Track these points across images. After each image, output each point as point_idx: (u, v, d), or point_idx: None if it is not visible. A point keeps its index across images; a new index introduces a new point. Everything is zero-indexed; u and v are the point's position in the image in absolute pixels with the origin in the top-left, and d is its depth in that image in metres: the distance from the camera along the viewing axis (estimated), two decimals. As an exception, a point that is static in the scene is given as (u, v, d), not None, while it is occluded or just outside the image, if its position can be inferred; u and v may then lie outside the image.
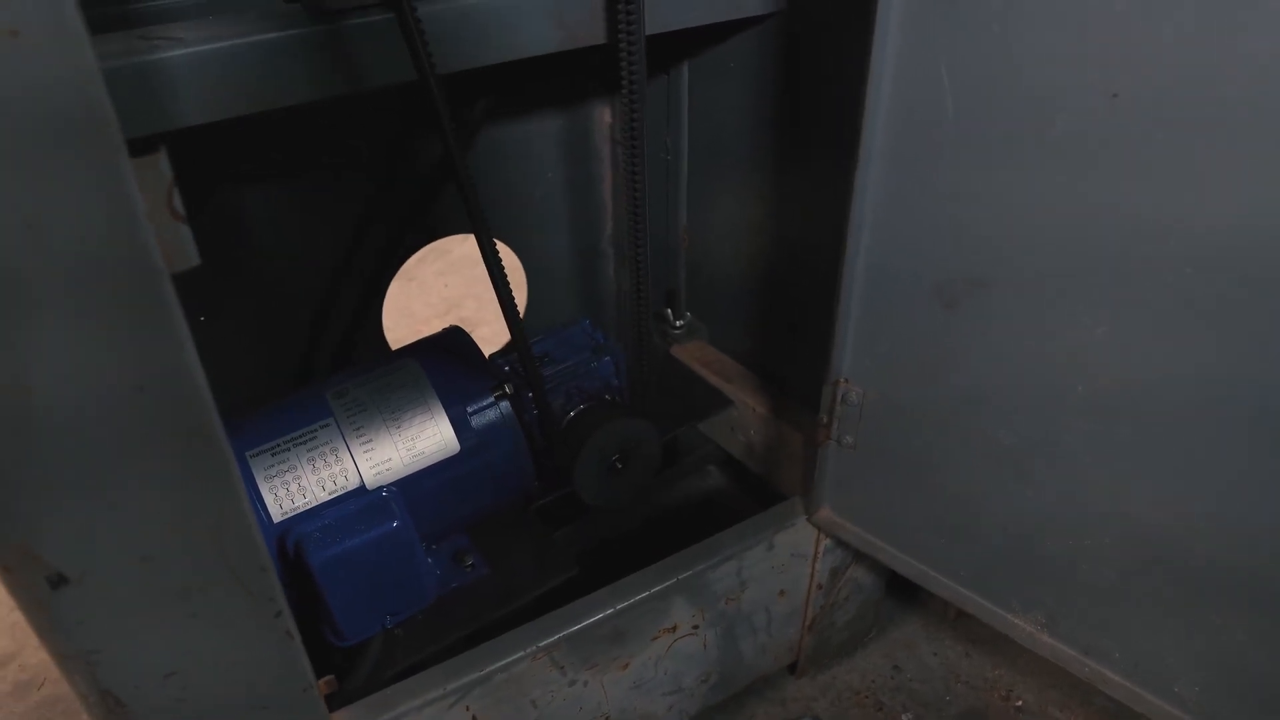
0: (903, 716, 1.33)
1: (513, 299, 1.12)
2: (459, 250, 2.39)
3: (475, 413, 1.14)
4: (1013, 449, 0.91)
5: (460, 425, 1.13)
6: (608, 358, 1.27)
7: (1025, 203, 0.79)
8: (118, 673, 0.73)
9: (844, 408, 1.03)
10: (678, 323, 1.53)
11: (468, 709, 0.98)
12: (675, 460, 1.52)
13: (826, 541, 1.17)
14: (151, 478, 0.66)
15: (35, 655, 1.45)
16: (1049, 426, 0.87)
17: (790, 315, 1.33)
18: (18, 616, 1.48)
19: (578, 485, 1.22)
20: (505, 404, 1.15)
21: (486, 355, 1.24)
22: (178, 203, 0.64)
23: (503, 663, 0.98)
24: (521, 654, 0.99)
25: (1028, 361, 0.86)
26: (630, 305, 1.27)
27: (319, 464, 1.07)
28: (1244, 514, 0.79)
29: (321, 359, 1.39)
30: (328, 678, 0.98)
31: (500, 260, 1.08)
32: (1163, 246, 0.73)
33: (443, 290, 2.39)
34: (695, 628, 1.12)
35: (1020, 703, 1.35)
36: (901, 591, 1.49)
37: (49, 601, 0.67)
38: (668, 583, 1.06)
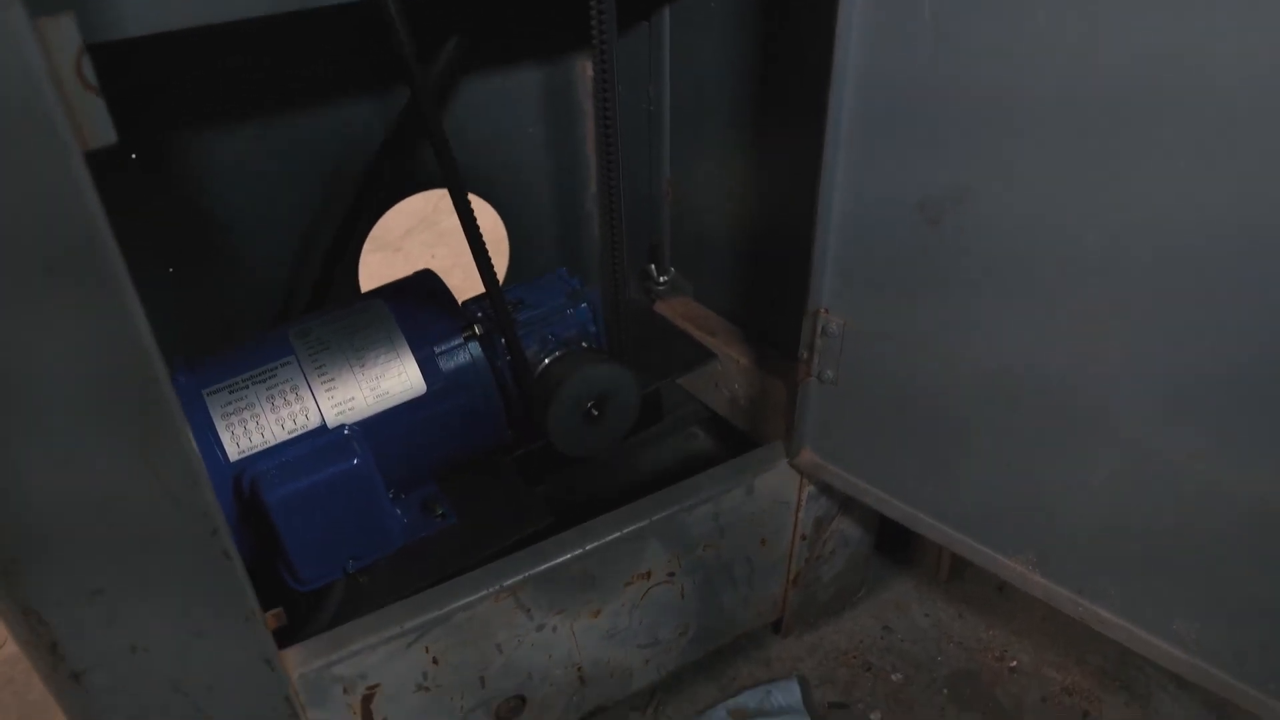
0: (893, 677, 1.28)
1: (480, 234, 1.08)
2: (447, 223, 2.35)
3: (443, 353, 1.10)
4: (1000, 372, 0.87)
5: (427, 366, 1.08)
6: (584, 304, 1.22)
7: (1009, 95, 0.75)
8: (36, 588, 0.68)
9: (824, 340, 0.99)
10: (661, 279, 1.48)
11: (427, 650, 0.93)
12: (659, 418, 1.47)
13: (810, 488, 1.12)
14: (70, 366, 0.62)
15: (-3, 615, 1.41)
16: (1037, 345, 0.82)
17: (775, 268, 1.28)
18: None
19: (552, 433, 1.17)
20: (475, 345, 1.11)
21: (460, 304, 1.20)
22: (89, 72, 0.60)
23: (464, 601, 0.93)
24: (485, 593, 0.94)
25: (1015, 272, 0.81)
26: (605, 254, 1.23)
27: (278, 402, 1.03)
28: (1248, 435, 0.74)
29: (294, 315, 1.35)
30: (276, 610, 0.94)
31: (464, 185, 1.04)
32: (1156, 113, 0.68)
33: (430, 261, 2.34)
34: (671, 575, 1.07)
35: (1014, 663, 1.30)
36: (891, 552, 1.44)
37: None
38: (640, 524, 1.01)
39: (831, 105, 0.87)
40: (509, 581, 0.95)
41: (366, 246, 1.34)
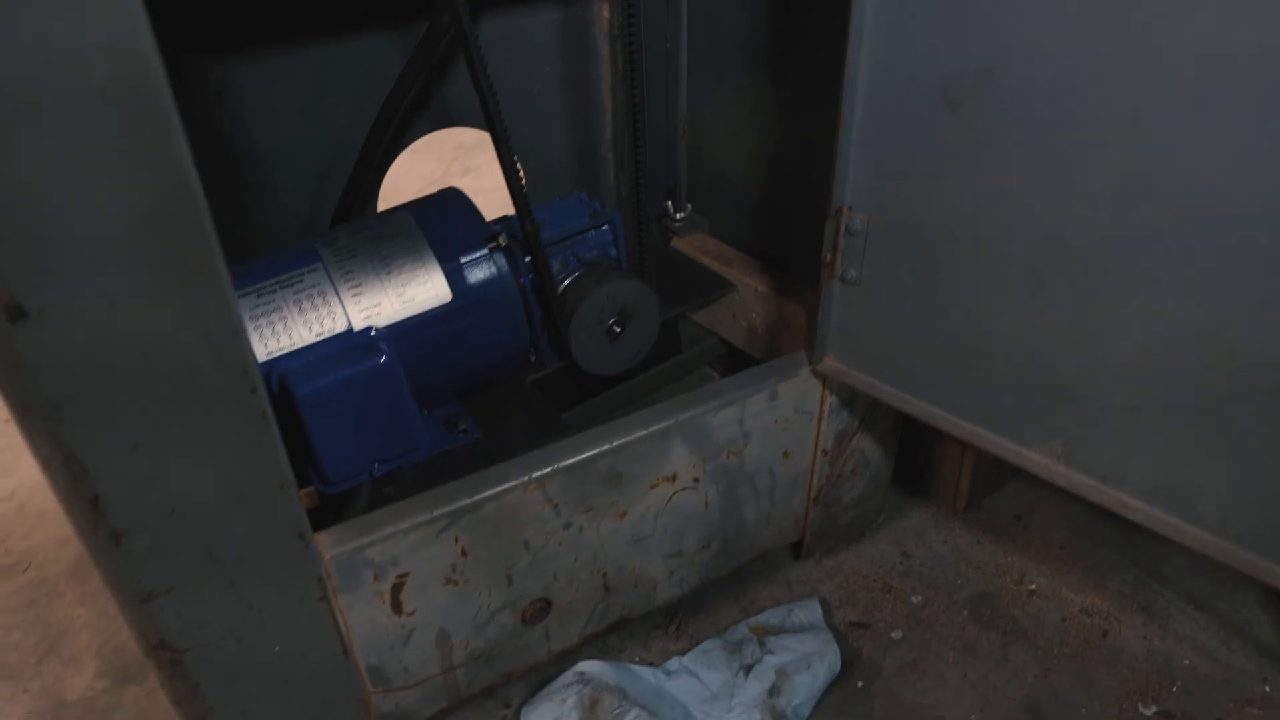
0: (912, 599, 1.28)
1: (510, 148, 1.10)
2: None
3: (469, 263, 1.11)
4: (1026, 260, 0.87)
5: (453, 275, 1.10)
6: (605, 225, 1.24)
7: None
8: (80, 433, 0.69)
9: (848, 239, 1.00)
10: (678, 216, 1.49)
11: (456, 540, 0.94)
12: (679, 350, 1.48)
13: (832, 399, 1.13)
14: (118, 202, 0.63)
15: (21, 542, 1.42)
16: (1063, 230, 0.83)
17: (792, 200, 1.29)
18: (5, 507, 1.45)
19: (574, 349, 1.19)
20: (500, 257, 1.12)
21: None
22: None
23: (494, 491, 0.94)
24: (514, 483, 0.95)
25: (1040, 156, 0.82)
26: (629, 171, 1.24)
27: (306, 306, 1.04)
28: (1276, 304, 0.75)
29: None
30: (308, 489, 0.95)
31: (498, 100, 1.06)
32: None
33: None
34: (696, 480, 1.08)
35: (1033, 587, 1.30)
36: (909, 484, 1.45)
37: (8, 339, 0.63)
38: (666, 423, 1.02)
39: (856, -7, 0.88)
40: (538, 474, 0.96)
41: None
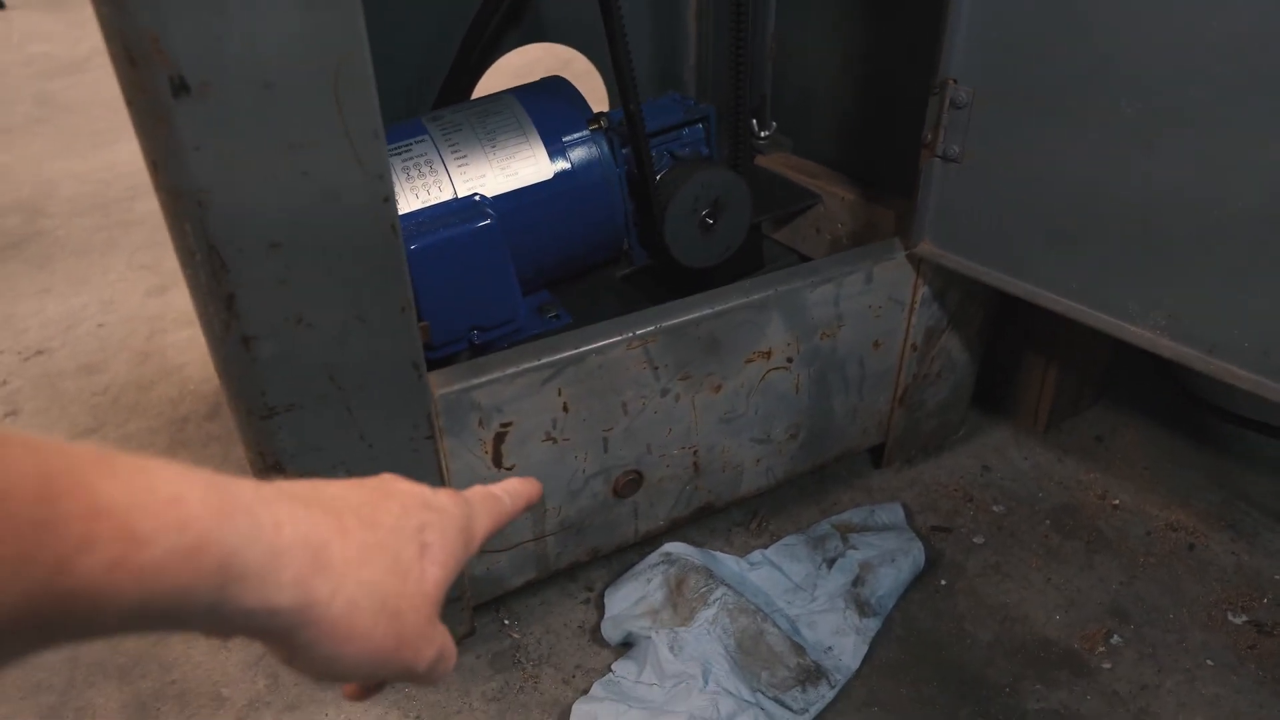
0: (994, 508, 1.28)
1: (624, 32, 1.11)
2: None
3: (571, 143, 1.13)
4: (1139, 120, 0.87)
5: (555, 151, 1.11)
6: (699, 124, 1.25)
7: None
8: (225, 226, 0.71)
9: (952, 113, 1.00)
10: (763, 133, 1.50)
11: (560, 392, 0.95)
12: (761, 264, 1.48)
13: (924, 289, 1.13)
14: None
15: (116, 431, 1.45)
16: (1180, 84, 0.83)
17: (883, 114, 1.30)
18: (99, 400, 1.49)
19: (668, 238, 1.20)
20: (601, 139, 1.14)
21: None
22: None
23: (598, 345, 0.95)
24: (618, 339, 0.96)
25: (1156, 7, 0.82)
26: (730, 66, 1.24)
27: (414, 174, 1.07)
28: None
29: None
30: (424, 323, 0.96)
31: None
32: None
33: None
34: (789, 360, 1.09)
35: (1117, 502, 1.29)
36: (989, 404, 1.44)
37: (170, 112, 0.66)
38: (765, 293, 1.03)
39: None
40: (641, 331, 0.97)
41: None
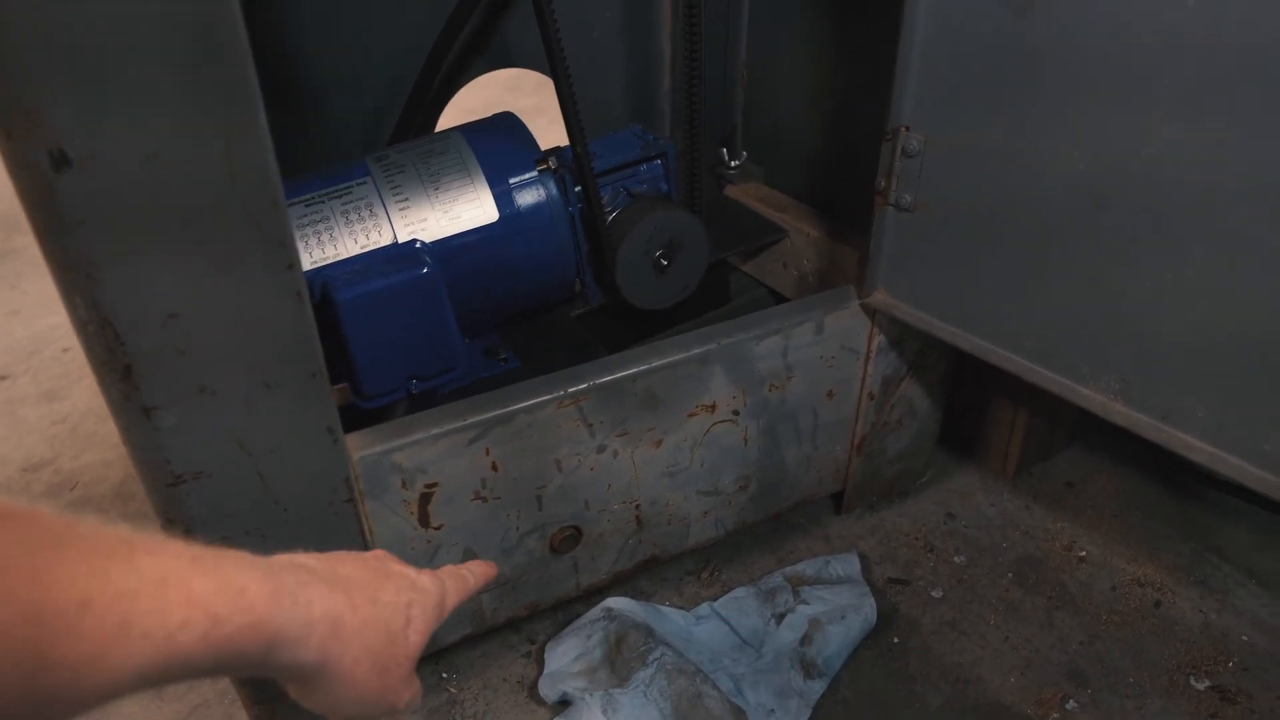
0: (955, 559, 1.24)
1: (568, 75, 1.08)
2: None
3: (518, 185, 1.09)
4: (1092, 181, 0.83)
5: (501, 195, 1.08)
6: (657, 160, 1.22)
7: None
8: (118, 299, 0.69)
9: (904, 162, 0.96)
10: (733, 163, 1.46)
11: (488, 452, 0.92)
12: (727, 299, 1.45)
13: (880, 339, 1.10)
14: (167, 71, 0.63)
15: (70, 463, 1.43)
16: (1134, 136, 0.79)
17: (850, 146, 1.26)
18: (57, 429, 1.47)
19: (620, 280, 1.16)
20: (550, 180, 1.10)
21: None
22: None
23: (527, 404, 0.92)
24: (548, 397, 0.93)
25: (1113, 65, 0.78)
26: (683, 106, 1.22)
27: (353, 218, 1.04)
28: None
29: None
30: (341, 385, 0.94)
31: (557, 25, 1.04)
32: None
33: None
34: (735, 414, 1.05)
35: (1083, 554, 1.25)
36: (957, 445, 1.41)
37: (53, 186, 0.63)
38: (708, 347, 0.99)
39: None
40: (573, 389, 0.94)
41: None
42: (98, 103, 0.62)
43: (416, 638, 0.51)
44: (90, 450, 1.46)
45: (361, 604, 0.47)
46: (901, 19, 0.91)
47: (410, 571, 0.53)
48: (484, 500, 0.96)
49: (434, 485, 0.92)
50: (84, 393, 1.60)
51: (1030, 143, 0.86)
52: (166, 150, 0.65)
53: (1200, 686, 1.08)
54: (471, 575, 0.60)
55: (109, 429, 1.51)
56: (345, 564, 0.49)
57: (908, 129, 0.95)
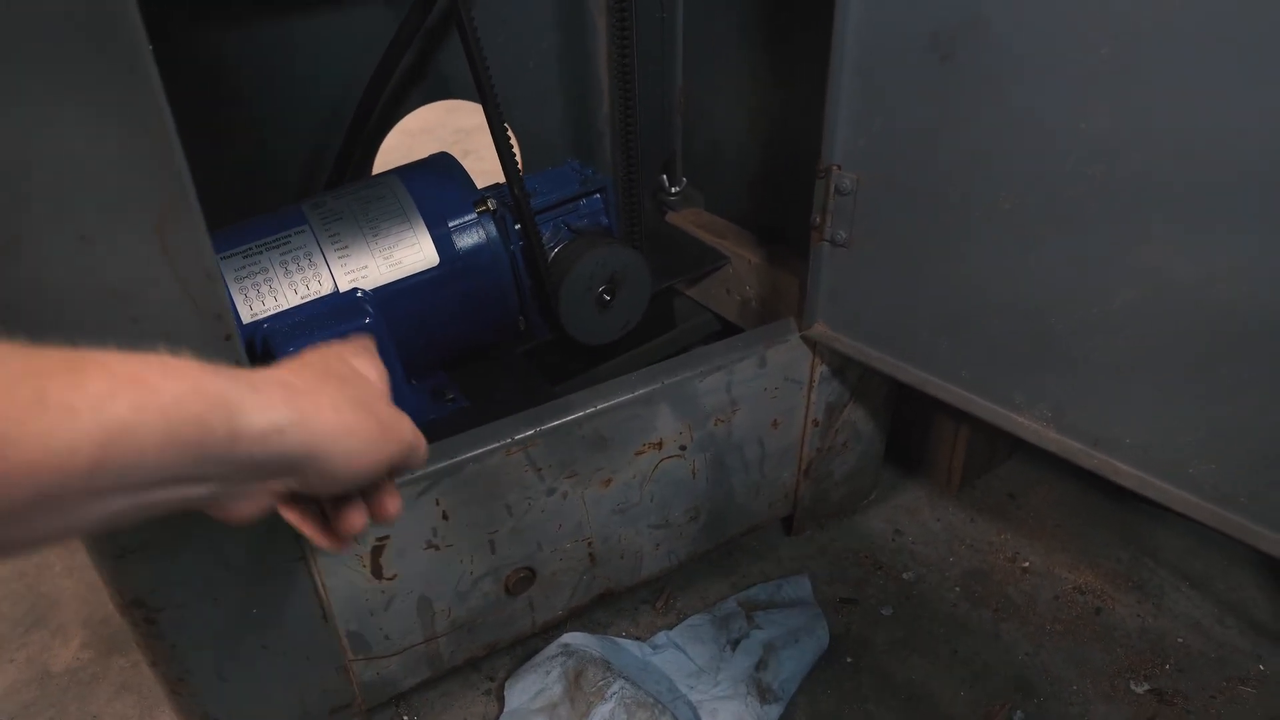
0: (904, 575, 1.27)
1: (501, 115, 1.09)
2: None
3: (457, 228, 1.10)
4: (1017, 216, 0.86)
5: (441, 239, 1.08)
6: (596, 194, 1.23)
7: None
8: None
9: (837, 199, 0.98)
10: (673, 190, 1.48)
11: (438, 502, 0.93)
12: (672, 325, 1.47)
13: (822, 368, 1.12)
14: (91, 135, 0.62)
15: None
16: (1055, 183, 0.82)
17: (788, 170, 1.28)
18: None
19: (563, 317, 1.17)
20: (489, 221, 1.11)
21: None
22: None
23: (475, 453, 0.93)
24: (495, 445, 0.94)
25: (1030, 109, 0.81)
26: (619, 141, 1.23)
27: (292, 268, 1.03)
28: (1269, 258, 0.73)
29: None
30: None
31: (485, 60, 1.05)
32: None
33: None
34: (683, 449, 1.07)
35: (1027, 564, 1.29)
36: (902, 461, 1.44)
37: (-26, 274, 0.62)
38: (653, 387, 1.01)
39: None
40: (520, 435, 0.95)
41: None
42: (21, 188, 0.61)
43: (372, 373, 0.52)
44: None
45: (298, 370, 0.45)
46: (829, 63, 0.93)
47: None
48: (436, 548, 0.96)
49: (385, 538, 0.92)
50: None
51: (956, 184, 0.88)
52: (98, 233, 0.65)
53: (1140, 690, 1.12)
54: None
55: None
56: None
57: (840, 167, 0.97)
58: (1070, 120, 0.79)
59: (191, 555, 0.82)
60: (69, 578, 1.34)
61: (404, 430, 0.49)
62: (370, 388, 0.49)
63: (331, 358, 0.50)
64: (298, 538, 0.87)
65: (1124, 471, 0.89)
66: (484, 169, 2.37)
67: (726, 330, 1.43)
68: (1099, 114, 0.77)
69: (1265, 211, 0.71)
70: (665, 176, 1.48)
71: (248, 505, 0.44)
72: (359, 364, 0.52)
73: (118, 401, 0.33)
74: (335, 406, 0.43)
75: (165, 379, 0.35)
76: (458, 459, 0.92)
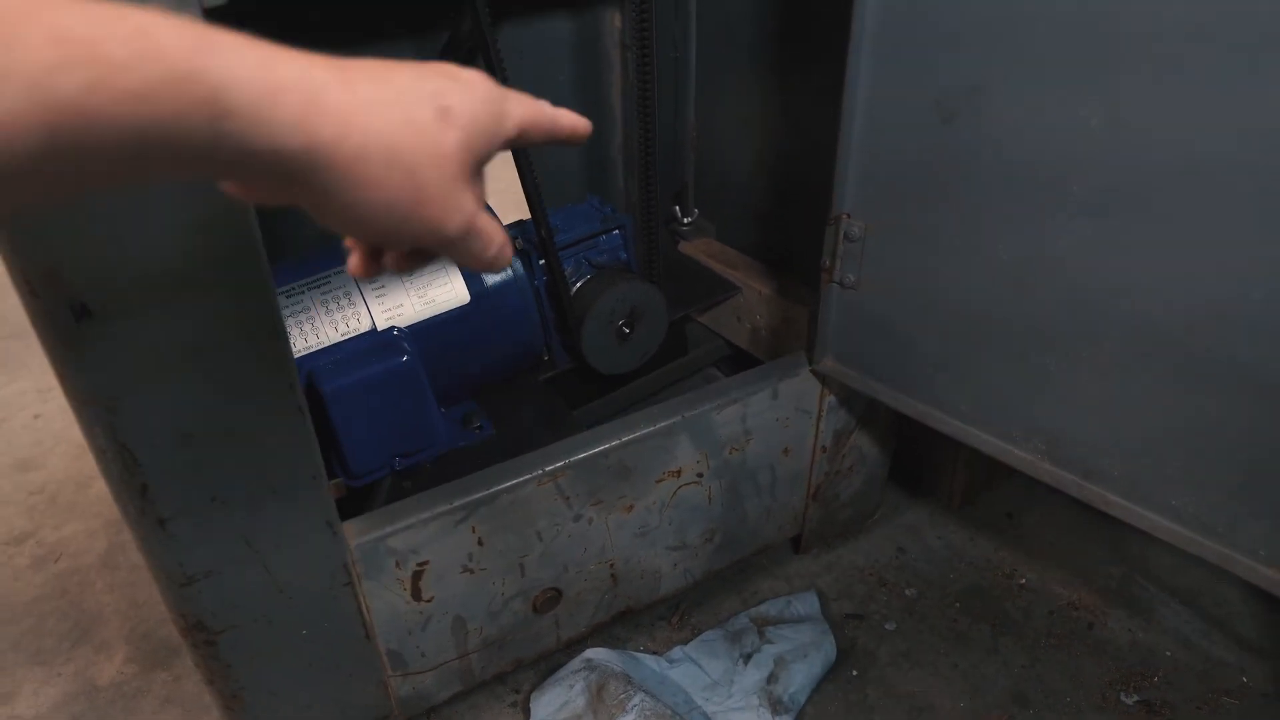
0: (906, 592, 1.34)
1: (530, 161, 1.15)
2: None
3: (485, 267, 1.16)
4: (1012, 264, 0.93)
5: (471, 276, 1.15)
6: (616, 230, 1.29)
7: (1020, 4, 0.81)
8: (134, 426, 0.75)
9: (846, 245, 1.05)
10: (685, 220, 1.55)
11: (474, 530, 1.00)
12: (685, 351, 1.53)
13: (830, 399, 1.19)
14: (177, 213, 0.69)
15: (53, 533, 1.47)
16: (1047, 231, 0.89)
17: (798, 202, 1.35)
18: (35, 500, 1.50)
19: (586, 348, 1.24)
20: (516, 260, 1.17)
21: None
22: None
23: (509, 484, 1.00)
24: (528, 477, 1.00)
25: (1023, 164, 0.88)
26: (639, 179, 1.30)
27: (332, 307, 1.10)
28: (1247, 296, 0.80)
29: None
30: (336, 481, 1.00)
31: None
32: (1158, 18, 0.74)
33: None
34: (700, 476, 1.14)
35: (1023, 581, 1.35)
36: (906, 482, 1.51)
37: (73, 336, 0.69)
38: (673, 420, 1.07)
39: (856, 13, 0.94)
40: (551, 467, 1.01)
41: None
42: (110, 258, 0.68)
43: (457, 133, 0.37)
44: (72, 520, 1.50)
45: (359, 79, 0.35)
46: (840, 119, 0.99)
47: (447, 64, 0.40)
48: (471, 572, 1.03)
49: (425, 563, 0.99)
50: (60, 459, 1.64)
51: (959, 235, 0.95)
52: (177, 298, 0.71)
53: (1130, 701, 1.19)
54: (550, 107, 0.47)
55: (89, 496, 1.55)
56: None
57: (849, 215, 1.04)
58: (1058, 178, 0.85)
59: (250, 582, 0.89)
60: (110, 594, 1.40)
61: (450, 216, 0.38)
62: (440, 143, 0.37)
63: (426, 70, 0.39)
64: (346, 564, 0.93)
65: (1113, 502, 0.96)
66: (491, 189, 2.43)
67: (737, 355, 1.50)
68: (1086, 174, 0.84)
69: (1247, 256, 0.78)
70: (678, 207, 1.55)
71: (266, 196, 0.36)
72: (453, 98, 0.38)
73: (69, 76, 0.26)
74: (365, 150, 0.34)
75: (130, 50, 0.28)
76: (493, 489, 0.99)
